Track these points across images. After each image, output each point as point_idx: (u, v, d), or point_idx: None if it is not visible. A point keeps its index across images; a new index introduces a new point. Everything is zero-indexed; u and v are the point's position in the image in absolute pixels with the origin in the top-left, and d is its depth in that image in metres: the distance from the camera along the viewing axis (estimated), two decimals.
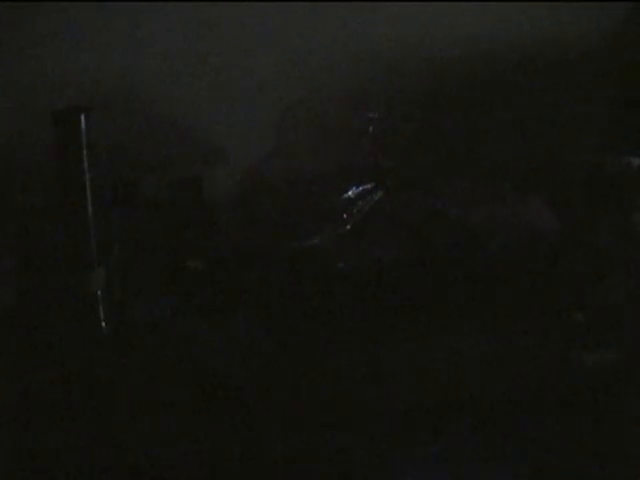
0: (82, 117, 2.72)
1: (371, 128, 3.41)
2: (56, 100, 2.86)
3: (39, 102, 3.06)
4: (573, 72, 3.65)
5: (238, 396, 2.57)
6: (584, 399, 2.55)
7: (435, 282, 3.00)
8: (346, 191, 3.25)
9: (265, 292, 2.98)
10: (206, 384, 2.61)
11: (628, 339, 2.78)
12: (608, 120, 3.61)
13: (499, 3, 3.56)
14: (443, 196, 3.32)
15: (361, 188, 3.26)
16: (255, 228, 3.21)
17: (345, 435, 2.44)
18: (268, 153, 3.41)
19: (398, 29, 3.52)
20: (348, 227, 3.21)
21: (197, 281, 3.03)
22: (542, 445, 2.42)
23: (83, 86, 3.23)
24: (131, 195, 3.12)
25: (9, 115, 3.21)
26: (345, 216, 3.22)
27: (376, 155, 3.39)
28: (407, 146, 3.49)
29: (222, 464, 2.36)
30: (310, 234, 3.16)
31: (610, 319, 2.85)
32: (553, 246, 3.12)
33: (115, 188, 3.00)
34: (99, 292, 2.81)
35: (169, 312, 2.92)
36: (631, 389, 2.59)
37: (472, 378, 2.65)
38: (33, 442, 2.41)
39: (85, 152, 2.73)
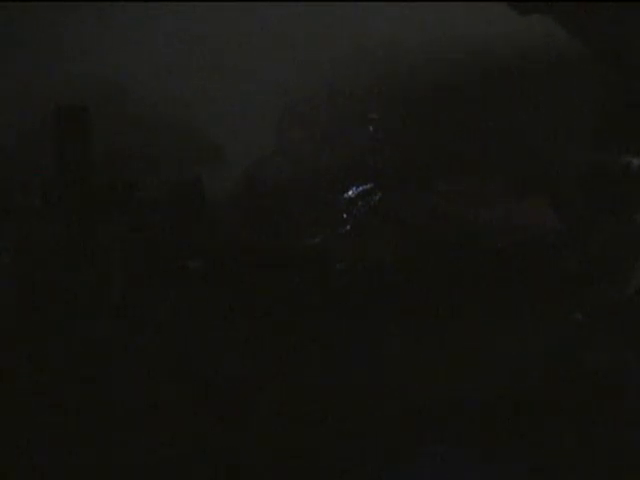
0: (82, 117, 2.72)
1: (371, 128, 3.41)
2: (56, 100, 2.86)
3: (39, 102, 3.07)
4: (573, 73, 3.65)
5: (238, 395, 2.57)
6: (584, 398, 2.55)
7: (435, 282, 3.00)
8: (346, 191, 3.25)
9: (265, 292, 2.97)
10: (206, 383, 2.60)
11: (628, 339, 2.78)
12: (608, 120, 3.61)
13: (499, 4, 3.55)
14: (443, 196, 3.31)
15: (361, 188, 3.26)
16: (255, 228, 3.21)
17: (345, 435, 2.44)
18: (268, 153, 3.41)
19: (398, 30, 3.52)
20: (348, 227, 3.21)
21: (197, 281, 3.03)
22: (543, 444, 2.41)
23: (83, 87, 3.23)
24: (131, 195, 3.12)
25: (9, 115, 3.21)
26: (345, 216, 3.22)
27: (376, 155, 3.39)
28: (407, 146, 3.49)
29: (222, 463, 2.36)
30: (310, 234, 3.16)
31: (610, 319, 2.85)
32: (553, 246, 3.12)
33: (115, 188, 3.00)
34: (99, 292, 2.81)
35: (169, 312, 2.92)
36: (631, 389, 2.59)
37: (472, 377, 2.65)
38: (33, 441, 2.41)
39: (85, 152, 2.74)
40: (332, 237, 3.18)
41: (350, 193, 3.25)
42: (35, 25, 3.22)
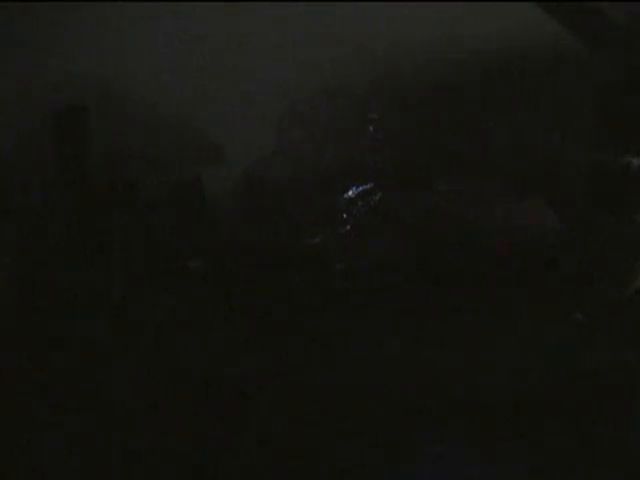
0: (82, 117, 2.72)
1: (371, 128, 3.41)
2: (56, 100, 2.87)
3: (39, 102, 3.06)
4: (573, 72, 3.65)
5: (238, 395, 2.57)
6: (584, 398, 2.55)
7: (435, 282, 3.00)
8: (346, 191, 3.25)
9: (265, 292, 2.97)
10: (206, 384, 2.61)
11: (628, 339, 2.78)
12: (608, 120, 3.61)
13: (499, 4, 3.55)
14: (443, 196, 3.31)
15: (361, 188, 3.26)
16: (255, 228, 3.21)
17: (345, 435, 2.44)
18: (268, 153, 3.41)
19: (398, 29, 3.52)
20: (348, 227, 3.21)
21: (197, 281, 3.03)
22: (543, 444, 2.41)
23: (83, 87, 3.23)
24: (131, 195, 3.12)
25: (9, 115, 3.21)
26: (345, 216, 3.22)
27: (376, 155, 3.39)
28: (407, 146, 3.49)
29: (222, 463, 2.36)
30: (310, 234, 3.16)
31: (610, 319, 2.85)
32: (553, 246, 3.12)
33: (115, 188, 3.00)
34: (99, 292, 2.82)
35: (169, 312, 2.92)
36: (631, 389, 2.59)
37: (472, 378, 2.65)
38: (33, 441, 2.41)
39: (85, 152, 2.74)
40: (332, 237, 3.17)
41: (350, 193, 3.25)
42: (35, 25, 3.22)
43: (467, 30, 3.57)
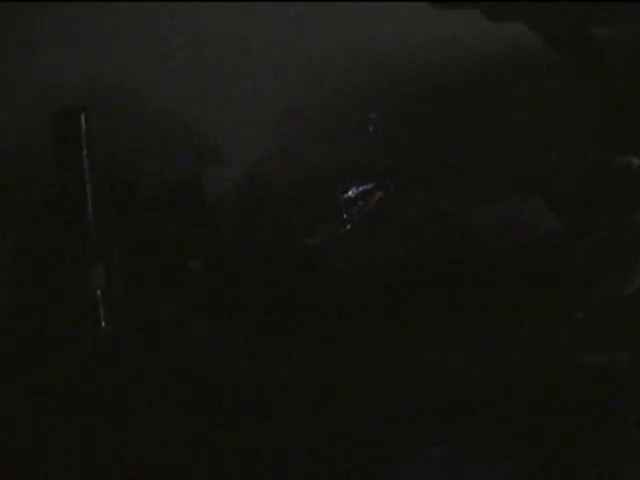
0: (82, 117, 2.72)
1: (371, 128, 3.41)
2: (56, 100, 2.87)
3: (39, 102, 3.07)
4: (573, 72, 3.65)
5: (237, 395, 2.57)
6: (585, 399, 2.55)
7: (435, 282, 3.00)
8: (346, 191, 3.25)
9: (265, 292, 2.97)
10: (206, 384, 2.61)
11: (628, 339, 2.78)
12: (608, 120, 3.60)
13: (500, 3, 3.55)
14: (443, 196, 3.32)
15: (361, 188, 3.26)
16: (255, 228, 3.21)
17: (345, 435, 2.44)
18: (268, 153, 3.41)
19: (398, 30, 3.52)
20: (348, 227, 3.21)
21: (197, 281, 3.03)
22: (542, 444, 2.41)
23: (83, 87, 3.23)
24: (131, 196, 3.12)
25: (9, 115, 3.21)
26: (345, 216, 3.22)
27: (376, 155, 3.39)
28: (407, 146, 3.49)
29: (221, 463, 2.36)
30: (310, 234, 3.16)
31: (610, 319, 2.85)
32: (553, 246, 3.12)
33: (115, 188, 3.01)
34: (99, 292, 2.82)
35: (169, 312, 2.92)
36: (632, 389, 2.59)
37: (472, 378, 2.65)
38: (33, 441, 2.41)
39: (85, 152, 2.74)
40: (332, 237, 3.18)
41: (350, 193, 3.25)
42: (35, 25, 3.22)
43: (467, 30, 3.57)
